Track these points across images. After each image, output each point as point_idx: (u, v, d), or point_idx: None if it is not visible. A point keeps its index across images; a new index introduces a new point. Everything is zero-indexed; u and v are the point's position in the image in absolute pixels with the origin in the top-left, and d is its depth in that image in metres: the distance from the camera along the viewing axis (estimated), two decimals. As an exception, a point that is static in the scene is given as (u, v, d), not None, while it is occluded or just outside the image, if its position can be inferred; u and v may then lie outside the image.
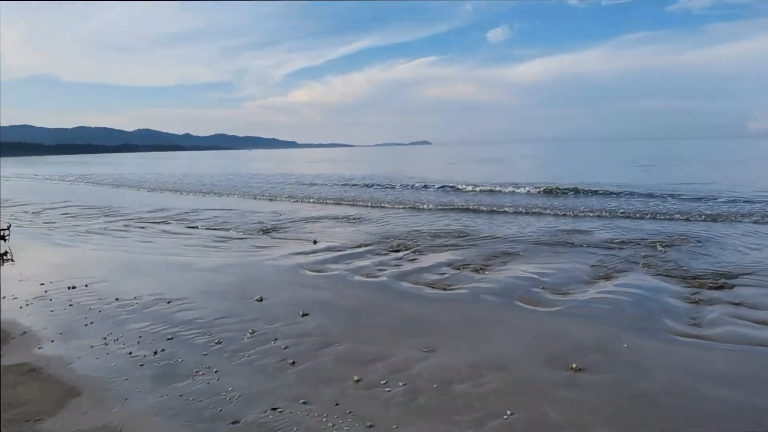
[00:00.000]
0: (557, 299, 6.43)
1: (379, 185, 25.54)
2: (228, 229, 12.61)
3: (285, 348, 4.85)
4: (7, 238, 10.52)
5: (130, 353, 4.75)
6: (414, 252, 9.45)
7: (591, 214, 14.11)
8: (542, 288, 6.96)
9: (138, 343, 5.01)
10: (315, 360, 4.58)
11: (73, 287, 7.10)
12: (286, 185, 27.57)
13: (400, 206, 17.33)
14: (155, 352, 4.76)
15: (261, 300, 6.49)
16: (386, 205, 17.62)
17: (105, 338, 5.15)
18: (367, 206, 17.62)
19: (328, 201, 19.63)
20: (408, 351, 4.76)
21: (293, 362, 4.52)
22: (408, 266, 8.34)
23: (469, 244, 10.18)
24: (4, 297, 6.63)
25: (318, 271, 8.09)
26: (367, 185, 25.84)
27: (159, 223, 14.10)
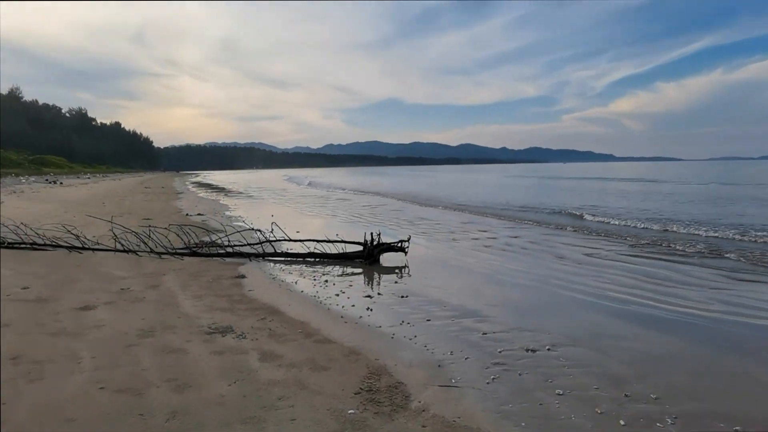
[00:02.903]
0: None
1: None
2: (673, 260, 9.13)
3: None
4: (406, 249, 9.58)
5: None
6: None
7: None
8: None
9: None
10: None
11: (532, 351, 4.83)
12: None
13: None
14: None
15: None
16: None
17: None
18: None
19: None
20: None
21: None
22: None
23: None
24: (450, 352, 4.79)
25: None
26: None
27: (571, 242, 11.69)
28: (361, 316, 5.86)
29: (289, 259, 9.57)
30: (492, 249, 11.15)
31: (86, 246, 10.00)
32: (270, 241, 9.95)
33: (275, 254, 9.68)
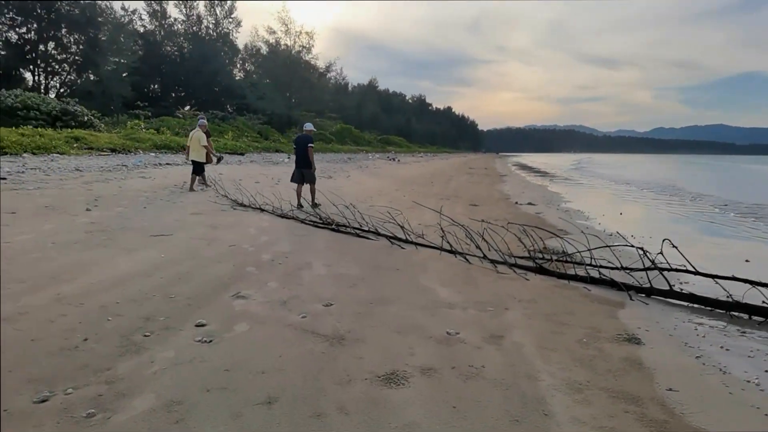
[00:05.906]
0: None
1: None
2: None
3: None
4: None
5: None
6: None
7: None
8: None
9: None
10: None
11: None
12: None
13: None
14: None
15: None
16: None
17: None
18: None
19: None
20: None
21: None
22: None
23: None
24: None
25: None
26: None
27: None
28: None
29: (695, 305, 5.72)
30: None
31: (410, 239, 8.30)
32: (662, 269, 6.22)
33: (671, 293, 5.94)
